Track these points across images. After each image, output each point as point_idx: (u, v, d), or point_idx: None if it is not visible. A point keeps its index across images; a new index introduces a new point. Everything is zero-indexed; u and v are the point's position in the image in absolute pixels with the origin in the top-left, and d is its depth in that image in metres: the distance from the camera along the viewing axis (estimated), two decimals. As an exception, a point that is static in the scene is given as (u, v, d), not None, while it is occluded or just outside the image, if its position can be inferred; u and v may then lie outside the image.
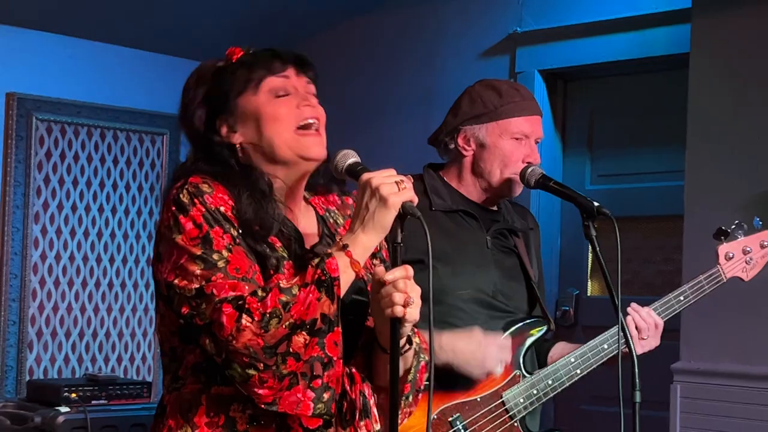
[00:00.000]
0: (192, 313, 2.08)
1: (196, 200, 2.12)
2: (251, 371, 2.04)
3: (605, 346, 3.06)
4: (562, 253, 5.36)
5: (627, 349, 2.62)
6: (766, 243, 3.25)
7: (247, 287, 2.08)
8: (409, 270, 2.13)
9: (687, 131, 4.38)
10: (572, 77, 5.41)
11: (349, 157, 2.22)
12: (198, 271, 2.08)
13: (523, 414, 3.02)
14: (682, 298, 3.15)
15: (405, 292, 2.10)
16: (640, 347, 3.05)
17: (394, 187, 2.11)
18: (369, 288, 2.25)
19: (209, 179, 2.16)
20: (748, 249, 3.23)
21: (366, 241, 2.14)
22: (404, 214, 2.13)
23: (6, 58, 5.55)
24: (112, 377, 5.04)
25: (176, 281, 2.09)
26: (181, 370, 2.20)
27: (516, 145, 3.05)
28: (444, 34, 5.68)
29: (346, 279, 2.12)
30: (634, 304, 3.10)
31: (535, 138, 3.10)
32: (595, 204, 2.81)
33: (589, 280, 5.32)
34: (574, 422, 4.61)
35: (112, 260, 5.90)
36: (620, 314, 2.71)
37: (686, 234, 4.36)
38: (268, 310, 2.03)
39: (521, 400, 3.01)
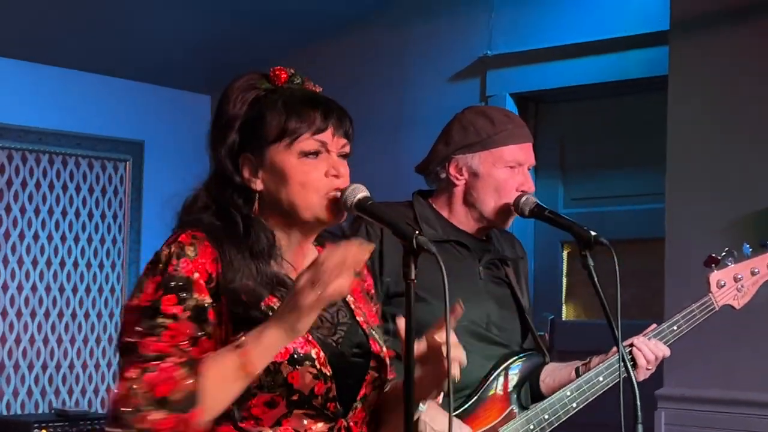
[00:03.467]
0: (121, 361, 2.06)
1: (171, 262, 2.06)
2: None
3: (600, 379, 3.00)
4: (536, 278, 5.32)
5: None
6: (756, 270, 3.22)
7: (177, 356, 2.01)
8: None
9: (666, 154, 4.36)
10: (544, 100, 5.40)
11: (359, 192, 2.13)
12: (139, 329, 2.04)
13: (521, 450, 2.96)
14: (675, 327, 3.11)
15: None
16: (643, 376, 3.01)
17: (310, 289, 1.95)
18: (371, 342, 2.20)
19: (200, 238, 2.09)
20: (740, 276, 3.20)
21: (271, 341, 1.98)
22: (418, 249, 2.03)
23: (-34, 85, 5.46)
24: (83, 412, 4.94)
25: (124, 337, 2.06)
26: None
27: (510, 173, 2.99)
28: (414, 57, 5.64)
29: (239, 378, 2.00)
30: (639, 339, 3.04)
31: (528, 165, 3.04)
32: (593, 233, 2.76)
33: (564, 305, 5.28)
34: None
35: (75, 290, 5.78)
36: (620, 344, 2.67)
37: (668, 258, 4.34)
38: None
39: (518, 437, 2.95)
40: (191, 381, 1.96)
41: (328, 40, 5.89)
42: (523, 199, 2.97)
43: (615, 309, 2.65)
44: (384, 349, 2.24)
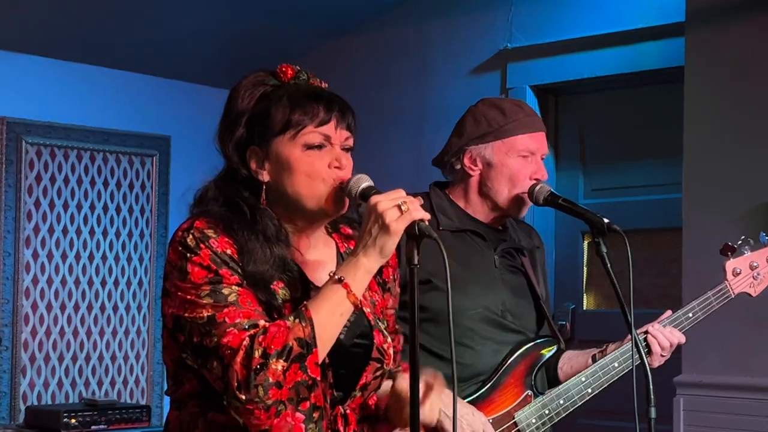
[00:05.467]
0: (203, 339, 2.09)
1: (202, 245, 2.14)
2: (237, 402, 2.06)
3: (615, 365, 3.04)
4: (557, 268, 5.37)
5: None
6: None
7: (263, 318, 2.11)
8: None
9: (683, 144, 4.39)
10: (563, 92, 5.43)
11: (363, 182, 2.22)
12: (209, 304, 2.10)
13: (536, 434, 3.01)
14: (690, 314, 3.13)
15: None
16: (658, 363, 3.05)
17: (396, 213, 2.10)
18: (375, 333, 2.27)
19: (214, 224, 2.18)
20: (755, 264, 3.20)
21: (367, 265, 2.14)
22: (420, 235, 2.11)
23: (-6, 82, 5.53)
24: (111, 402, 5.00)
25: (186, 314, 2.12)
26: (179, 394, 2.23)
27: (523, 162, 3.04)
28: (435, 52, 5.69)
29: (344, 309, 2.13)
30: (654, 326, 3.08)
31: (541, 154, 3.10)
32: (606, 221, 2.81)
33: (584, 294, 5.32)
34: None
35: (103, 283, 5.86)
36: (633, 330, 2.71)
37: (685, 247, 4.36)
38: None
39: (533, 421, 2.99)
40: (304, 325, 2.07)
41: (351, 36, 5.94)
42: (538, 187, 3.02)
43: (628, 295, 2.69)
44: (388, 340, 2.31)
